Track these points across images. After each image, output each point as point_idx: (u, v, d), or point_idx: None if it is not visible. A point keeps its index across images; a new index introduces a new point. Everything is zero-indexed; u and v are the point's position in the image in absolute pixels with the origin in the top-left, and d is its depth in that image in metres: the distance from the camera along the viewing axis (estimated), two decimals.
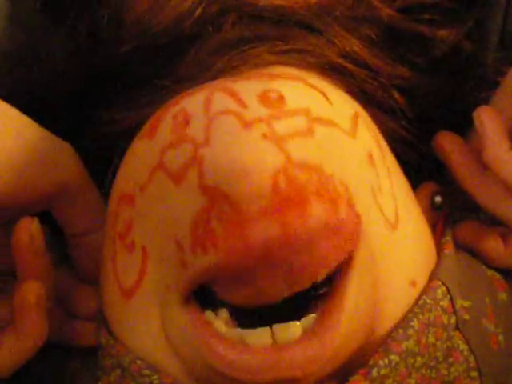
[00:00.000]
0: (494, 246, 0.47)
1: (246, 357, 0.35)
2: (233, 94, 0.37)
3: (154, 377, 0.38)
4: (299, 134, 0.37)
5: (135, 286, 0.38)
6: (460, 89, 0.50)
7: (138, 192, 0.38)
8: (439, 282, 0.42)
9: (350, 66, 0.44)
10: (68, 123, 0.45)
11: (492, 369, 0.42)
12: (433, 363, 0.40)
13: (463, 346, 0.41)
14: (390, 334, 0.39)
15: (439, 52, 0.48)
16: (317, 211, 0.35)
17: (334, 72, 0.44)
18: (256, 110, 0.37)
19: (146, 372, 0.38)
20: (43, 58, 0.47)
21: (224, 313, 0.38)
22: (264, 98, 0.37)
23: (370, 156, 0.40)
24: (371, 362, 0.38)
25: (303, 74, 0.42)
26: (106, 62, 0.45)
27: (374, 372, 0.38)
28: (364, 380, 0.38)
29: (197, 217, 0.35)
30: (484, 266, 0.47)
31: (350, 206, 0.37)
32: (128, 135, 0.42)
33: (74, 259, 0.44)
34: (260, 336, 0.36)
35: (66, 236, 0.44)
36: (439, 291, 0.41)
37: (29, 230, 0.39)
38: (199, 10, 0.43)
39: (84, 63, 0.46)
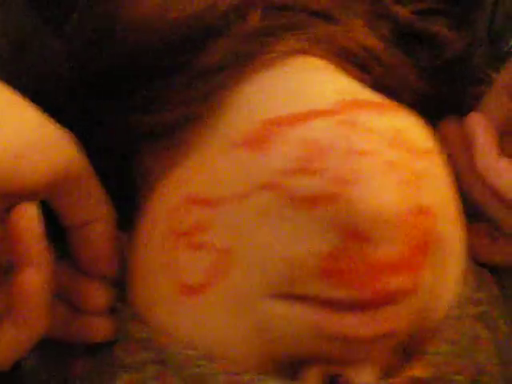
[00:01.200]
0: (482, 242, 0.47)
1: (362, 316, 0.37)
2: (368, 130, 0.38)
3: (213, 365, 0.38)
4: (422, 177, 0.39)
5: (206, 285, 0.38)
6: (452, 88, 0.50)
7: (227, 198, 0.38)
8: (469, 275, 0.43)
9: (369, 60, 0.44)
10: (77, 127, 0.42)
11: (503, 359, 0.44)
12: (464, 352, 0.41)
13: (485, 335, 0.43)
14: (441, 324, 0.41)
15: (450, 55, 0.48)
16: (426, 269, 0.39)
17: (354, 65, 0.43)
18: (392, 151, 0.38)
19: (202, 362, 0.38)
20: (43, 59, 0.46)
21: None
22: (396, 139, 0.39)
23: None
24: (431, 349, 0.40)
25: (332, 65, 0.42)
26: (119, 58, 0.43)
27: (435, 358, 0.40)
28: (426, 365, 0.40)
29: (333, 250, 0.37)
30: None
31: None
32: (145, 138, 0.42)
33: (74, 252, 0.43)
34: None
35: (65, 227, 0.42)
36: (469, 284, 0.43)
37: (27, 215, 0.38)
38: (224, 1, 0.42)
39: (89, 63, 0.44)
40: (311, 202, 0.37)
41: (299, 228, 0.37)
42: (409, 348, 0.40)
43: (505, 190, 0.43)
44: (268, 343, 0.38)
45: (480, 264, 0.48)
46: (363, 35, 0.44)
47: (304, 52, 0.42)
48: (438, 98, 0.48)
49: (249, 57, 0.41)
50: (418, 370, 0.39)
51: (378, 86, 0.43)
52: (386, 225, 0.37)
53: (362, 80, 0.43)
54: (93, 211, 0.42)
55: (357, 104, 0.40)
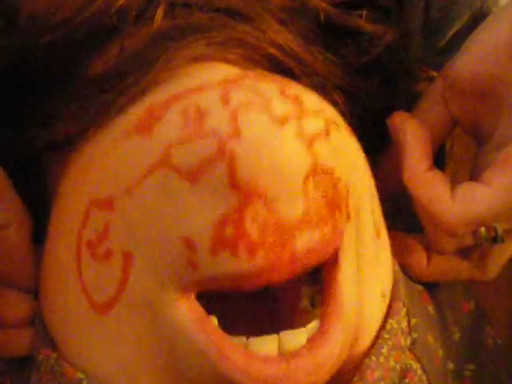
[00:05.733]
0: (417, 261, 0.45)
1: (261, 366, 0.34)
2: (253, 89, 0.35)
3: None
4: (321, 136, 0.36)
5: (114, 299, 0.35)
6: (385, 84, 0.46)
7: (121, 195, 0.35)
8: (401, 304, 0.41)
9: (286, 59, 0.40)
10: None
11: None
12: None
13: (416, 365, 0.41)
14: (364, 361, 0.38)
15: (375, 51, 0.44)
16: (333, 225, 0.36)
17: (272, 67, 0.39)
18: (282, 105, 0.35)
19: None
20: None
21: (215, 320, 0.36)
22: (285, 96, 0.35)
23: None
24: None
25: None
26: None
27: None
28: None
29: (224, 216, 0.33)
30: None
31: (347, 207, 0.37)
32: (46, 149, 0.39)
33: None
34: (267, 344, 0.35)
35: None
36: (402, 313, 0.41)
37: None
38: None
39: None
40: (202, 168, 0.34)
41: (191, 202, 0.34)
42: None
43: (426, 202, 0.40)
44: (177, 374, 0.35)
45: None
46: (278, 34, 0.40)
47: (210, 58, 0.38)
48: (370, 95, 0.45)
49: (149, 64, 0.37)
50: None
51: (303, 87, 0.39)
52: (285, 180, 0.34)
53: None
54: (5, 216, 0.38)
55: (245, 74, 0.37)
